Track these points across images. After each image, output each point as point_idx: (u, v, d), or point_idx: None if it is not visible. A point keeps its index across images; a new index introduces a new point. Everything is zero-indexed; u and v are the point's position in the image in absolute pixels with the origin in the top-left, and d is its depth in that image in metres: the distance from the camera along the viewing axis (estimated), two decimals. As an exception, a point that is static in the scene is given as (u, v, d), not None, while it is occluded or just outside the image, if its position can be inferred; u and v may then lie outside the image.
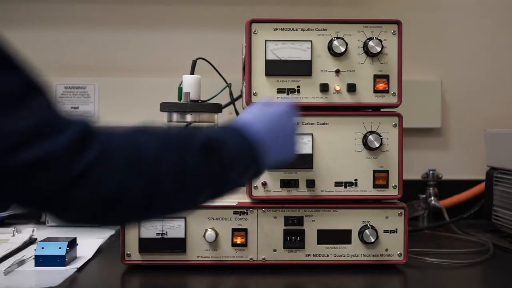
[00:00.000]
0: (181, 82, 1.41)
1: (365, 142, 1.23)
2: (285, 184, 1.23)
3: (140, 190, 0.75)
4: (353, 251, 1.23)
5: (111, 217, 0.78)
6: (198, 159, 0.81)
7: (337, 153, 1.23)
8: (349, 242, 1.23)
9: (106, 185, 0.72)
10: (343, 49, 1.21)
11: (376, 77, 1.23)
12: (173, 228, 1.20)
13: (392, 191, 1.24)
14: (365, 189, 1.24)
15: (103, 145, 0.72)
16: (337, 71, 1.23)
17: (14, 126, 0.66)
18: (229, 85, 1.54)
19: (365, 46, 1.22)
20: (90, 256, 1.30)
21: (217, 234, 1.21)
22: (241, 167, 0.87)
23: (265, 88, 1.23)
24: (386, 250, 1.23)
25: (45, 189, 0.69)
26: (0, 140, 0.65)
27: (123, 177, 0.73)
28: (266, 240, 1.22)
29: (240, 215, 1.22)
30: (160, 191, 0.77)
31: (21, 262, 1.23)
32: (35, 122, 0.67)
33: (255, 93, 1.23)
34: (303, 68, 1.22)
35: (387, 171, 1.24)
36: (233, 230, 1.22)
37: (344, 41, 1.22)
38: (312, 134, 1.22)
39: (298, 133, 1.00)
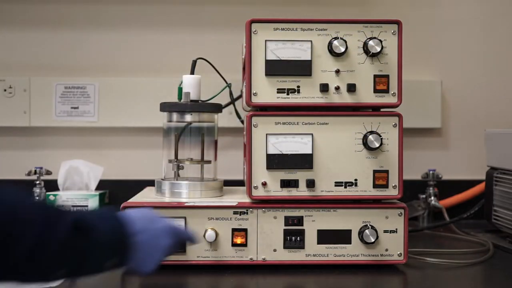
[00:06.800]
0: (181, 82, 1.41)
1: (365, 142, 1.23)
2: (285, 184, 1.23)
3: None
4: (353, 251, 1.23)
5: None
6: (63, 236, 0.81)
7: (337, 153, 1.23)
8: (349, 242, 1.23)
9: None
10: (343, 49, 1.21)
11: (376, 77, 1.23)
12: (173, 228, 1.20)
13: (392, 191, 1.24)
14: (365, 189, 1.24)
15: None
16: (337, 71, 1.23)
17: None
18: (229, 85, 1.54)
19: (365, 46, 1.22)
20: (90, 256, 1.29)
21: (217, 234, 1.21)
22: (106, 254, 0.88)
23: (265, 88, 1.22)
24: (386, 250, 1.23)
25: None
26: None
27: None
28: (266, 240, 1.22)
29: (240, 215, 1.22)
30: (12, 260, 0.77)
31: (21, 263, 1.22)
32: None
33: (255, 93, 1.22)
34: (303, 68, 1.22)
35: (387, 171, 1.24)
36: (233, 230, 1.22)
37: (344, 41, 1.21)
38: (312, 134, 1.22)
39: (168, 252, 0.99)
